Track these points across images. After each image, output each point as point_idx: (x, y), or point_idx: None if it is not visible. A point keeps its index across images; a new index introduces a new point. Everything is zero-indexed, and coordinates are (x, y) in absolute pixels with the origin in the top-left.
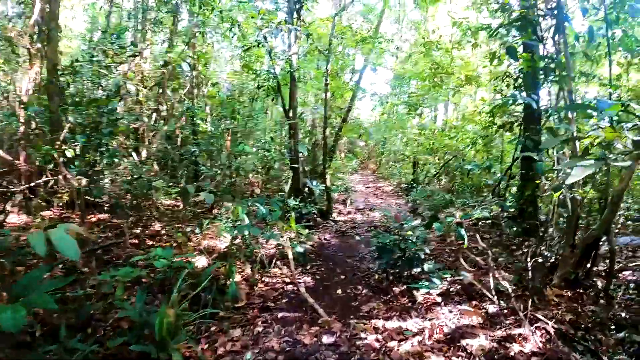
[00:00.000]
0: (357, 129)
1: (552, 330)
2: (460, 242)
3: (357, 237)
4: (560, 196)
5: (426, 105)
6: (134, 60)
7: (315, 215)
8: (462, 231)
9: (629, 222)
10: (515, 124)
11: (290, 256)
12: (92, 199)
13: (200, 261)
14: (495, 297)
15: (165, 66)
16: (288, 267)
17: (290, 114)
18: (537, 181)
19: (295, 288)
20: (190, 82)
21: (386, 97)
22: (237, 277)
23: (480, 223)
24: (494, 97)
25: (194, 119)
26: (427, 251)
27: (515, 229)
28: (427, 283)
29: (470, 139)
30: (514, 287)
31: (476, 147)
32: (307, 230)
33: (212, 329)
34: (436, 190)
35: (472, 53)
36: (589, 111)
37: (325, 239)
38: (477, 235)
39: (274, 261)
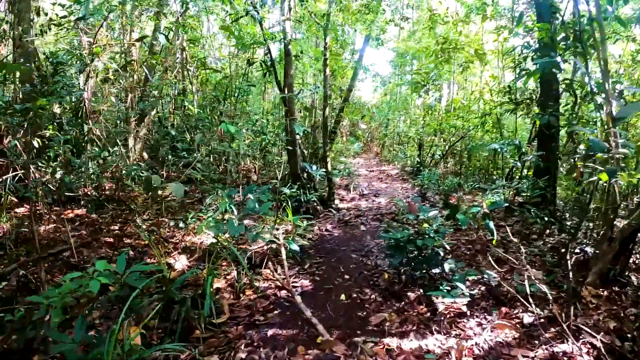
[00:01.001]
0: (359, 109)
1: (600, 345)
2: (490, 237)
3: (362, 227)
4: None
5: (433, 83)
6: (100, 32)
7: (315, 203)
8: (491, 224)
9: None
10: (533, 102)
11: (284, 256)
12: (69, 193)
13: (181, 262)
14: (526, 301)
15: (140, 40)
16: (283, 267)
17: (285, 91)
18: (580, 164)
19: (289, 295)
20: (181, 63)
21: (389, 78)
22: (222, 282)
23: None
24: (502, 74)
25: (184, 102)
26: (448, 247)
27: (542, 216)
28: (448, 287)
29: (479, 119)
30: (549, 289)
31: (485, 127)
32: (305, 222)
33: (182, 356)
34: (444, 173)
35: (480, 26)
36: None
37: (326, 230)
38: (507, 228)
39: (265, 260)
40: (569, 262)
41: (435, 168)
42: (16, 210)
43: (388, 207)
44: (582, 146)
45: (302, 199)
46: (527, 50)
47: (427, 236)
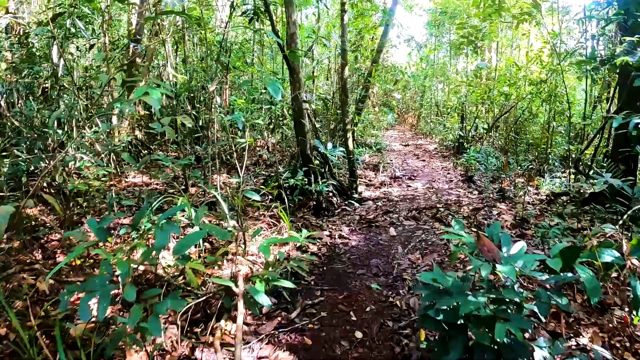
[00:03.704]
0: (390, 71)
1: None
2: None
3: (392, 231)
4: None
5: (482, 39)
6: None
7: (330, 194)
8: (639, 288)
9: None
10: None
11: (240, 321)
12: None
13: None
14: None
15: None
16: (252, 320)
17: (288, 47)
18: None
19: None
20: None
21: (424, 42)
22: (141, 354)
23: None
24: (559, 33)
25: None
26: (543, 319)
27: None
28: None
29: (535, 86)
30: None
31: (542, 96)
32: (305, 231)
33: None
34: (490, 150)
35: None
36: None
37: (340, 237)
38: None
39: (216, 312)
40: None
41: (479, 143)
42: None
43: (427, 197)
44: None
45: (313, 189)
46: None
47: (510, 309)
